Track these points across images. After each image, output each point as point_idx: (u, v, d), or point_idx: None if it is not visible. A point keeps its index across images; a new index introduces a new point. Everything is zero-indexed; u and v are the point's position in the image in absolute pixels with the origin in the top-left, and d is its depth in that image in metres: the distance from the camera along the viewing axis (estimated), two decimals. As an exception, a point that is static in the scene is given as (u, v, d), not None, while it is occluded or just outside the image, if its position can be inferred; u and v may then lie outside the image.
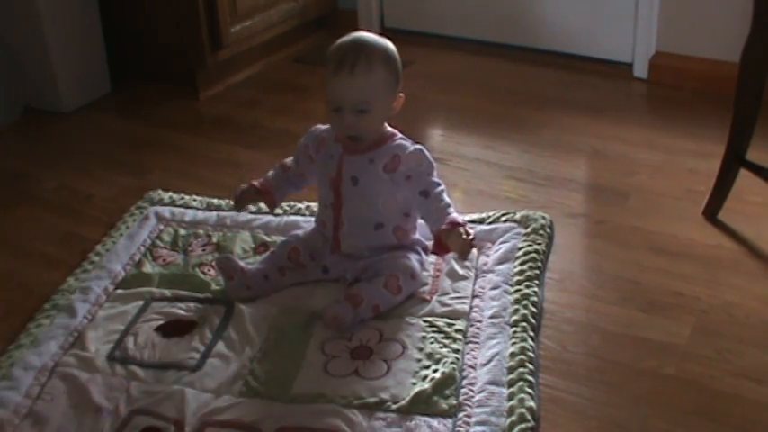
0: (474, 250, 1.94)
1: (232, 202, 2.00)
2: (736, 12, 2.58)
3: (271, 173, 1.96)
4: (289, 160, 1.95)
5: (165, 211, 2.19)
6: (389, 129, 1.83)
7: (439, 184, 1.80)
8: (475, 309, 1.79)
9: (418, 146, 1.82)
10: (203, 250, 2.03)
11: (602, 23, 2.96)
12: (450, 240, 1.69)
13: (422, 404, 1.54)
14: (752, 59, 1.95)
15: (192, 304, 1.84)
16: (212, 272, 1.94)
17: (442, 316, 1.77)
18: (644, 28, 2.86)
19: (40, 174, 2.47)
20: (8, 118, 2.78)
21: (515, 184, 2.30)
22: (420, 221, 1.89)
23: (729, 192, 2.09)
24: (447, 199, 1.79)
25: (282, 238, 1.97)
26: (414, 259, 1.83)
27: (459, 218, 1.73)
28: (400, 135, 1.83)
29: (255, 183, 1.94)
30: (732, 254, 1.97)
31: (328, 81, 1.74)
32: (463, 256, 1.72)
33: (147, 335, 1.75)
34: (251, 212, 2.16)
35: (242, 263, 1.85)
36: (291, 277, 1.86)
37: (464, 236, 1.68)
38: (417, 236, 1.90)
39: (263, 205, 2.17)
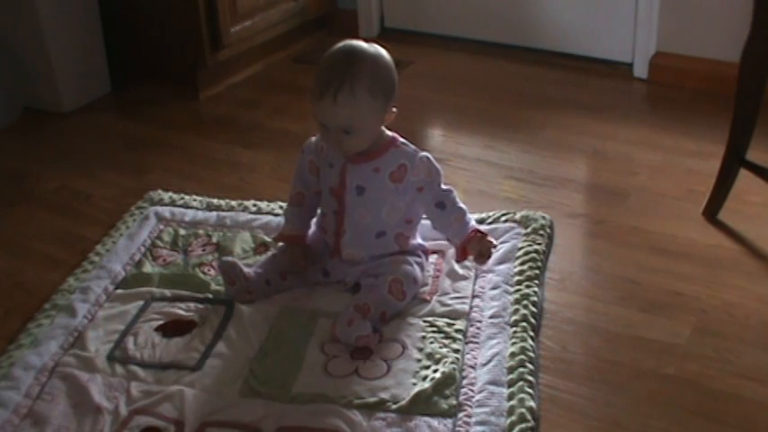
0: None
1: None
2: (736, 12, 2.58)
3: (288, 215, 1.89)
4: (295, 190, 1.88)
5: (165, 211, 2.19)
6: (389, 133, 1.81)
7: (451, 192, 1.81)
8: (475, 309, 1.79)
9: (424, 153, 1.80)
10: (203, 250, 2.03)
11: (602, 23, 2.96)
12: (473, 247, 1.77)
13: (422, 404, 1.54)
14: (752, 59, 1.95)
15: (192, 304, 1.84)
16: (212, 272, 1.94)
17: (442, 316, 1.77)
18: (644, 28, 2.86)
19: (40, 174, 2.47)
20: (8, 118, 2.78)
21: (515, 184, 2.30)
22: (422, 223, 1.89)
23: (729, 192, 2.09)
24: (462, 205, 1.81)
25: (282, 239, 1.97)
26: (415, 263, 1.83)
27: (479, 226, 1.81)
28: (401, 140, 1.81)
29: (285, 234, 1.87)
30: (732, 254, 1.97)
31: (313, 101, 1.70)
32: (483, 261, 1.79)
33: (147, 335, 1.75)
34: (251, 212, 2.16)
35: (245, 268, 1.83)
36: (292, 281, 1.86)
37: (487, 243, 1.76)
38: (418, 240, 1.90)
39: (262, 205, 2.18)
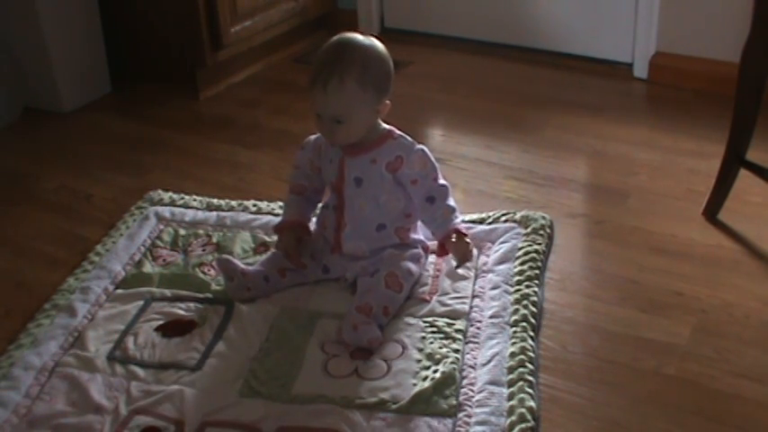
0: (474, 251, 1.95)
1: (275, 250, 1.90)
2: (736, 12, 2.58)
3: (289, 202, 1.91)
4: (296, 181, 1.91)
5: (165, 211, 2.19)
6: (386, 126, 1.82)
7: (445, 188, 1.82)
8: (475, 309, 1.79)
9: (420, 146, 1.82)
10: (203, 250, 2.03)
11: (602, 23, 2.96)
12: (451, 246, 1.78)
13: (422, 404, 1.54)
14: (752, 59, 1.95)
15: (191, 304, 1.84)
16: (212, 272, 1.94)
17: (442, 316, 1.77)
18: (644, 28, 2.86)
19: (40, 174, 2.47)
20: (8, 118, 2.78)
21: (515, 184, 2.30)
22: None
23: (729, 192, 2.09)
24: (452, 203, 1.82)
25: (282, 239, 1.97)
26: (410, 256, 1.83)
27: (462, 226, 1.80)
28: (398, 132, 1.83)
29: (285, 221, 1.89)
30: (732, 254, 1.97)
31: (309, 90, 1.74)
32: (462, 262, 1.80)
33: (147, 335, 1.76)
34: (251, 212, 2.16)
35: (242, 264, 1.85)
36: (292, 279, 1.86)
37: (464, 245, 1.77)
38: (419, 235, 1.90)
39: (262, 205, 2.18)
